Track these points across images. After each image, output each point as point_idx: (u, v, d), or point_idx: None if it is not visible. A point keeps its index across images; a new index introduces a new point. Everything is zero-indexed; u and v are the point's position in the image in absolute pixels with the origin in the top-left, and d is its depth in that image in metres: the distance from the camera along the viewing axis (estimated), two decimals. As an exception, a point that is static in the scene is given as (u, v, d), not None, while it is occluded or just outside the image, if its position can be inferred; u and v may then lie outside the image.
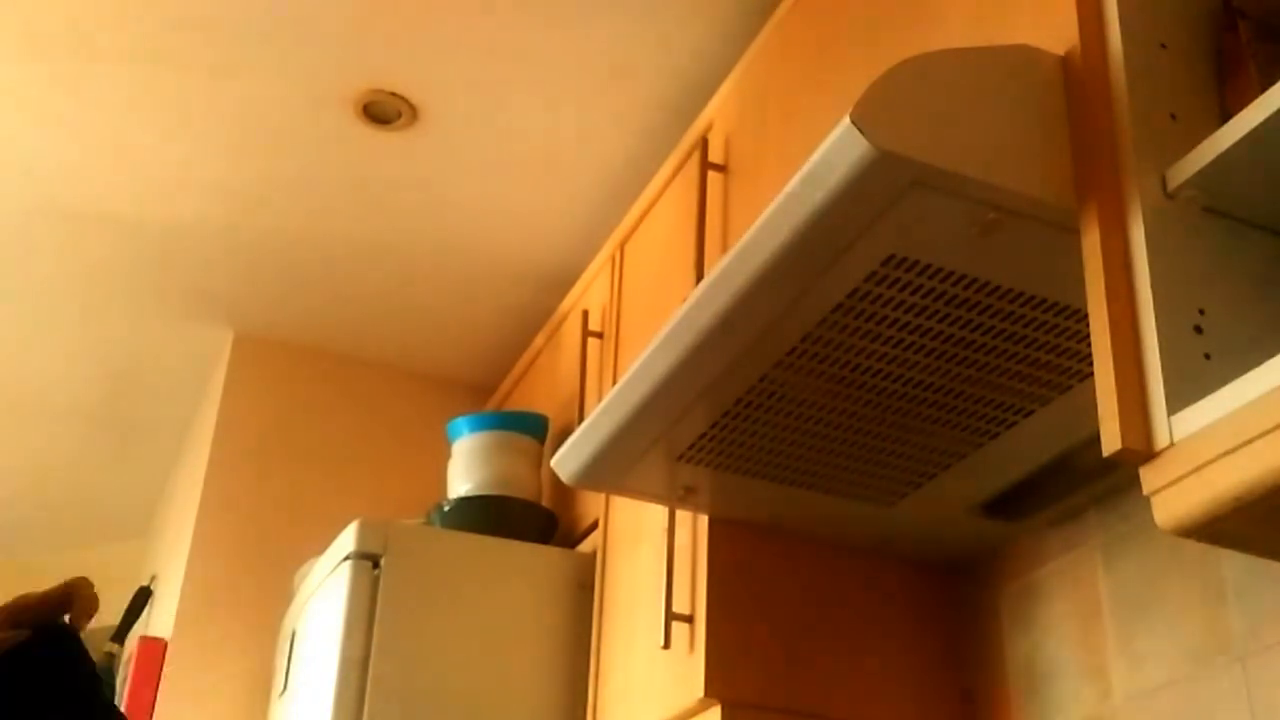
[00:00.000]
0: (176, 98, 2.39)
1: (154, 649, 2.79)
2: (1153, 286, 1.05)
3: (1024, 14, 1.29)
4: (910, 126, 1.12)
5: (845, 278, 1.28)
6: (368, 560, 2.18)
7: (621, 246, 2.41)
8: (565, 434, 1.92)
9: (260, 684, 2.70)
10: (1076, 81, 1.18)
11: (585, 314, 2.45)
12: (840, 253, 1.24)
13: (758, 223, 1.27)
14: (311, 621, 2.35)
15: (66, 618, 0.98)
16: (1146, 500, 1.02)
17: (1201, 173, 1.07)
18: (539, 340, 2.79)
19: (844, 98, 1.17)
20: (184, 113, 2.42)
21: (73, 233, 2.74)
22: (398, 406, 3.12)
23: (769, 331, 1.37)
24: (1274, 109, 1.01)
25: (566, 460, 1.67)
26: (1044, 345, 1.37)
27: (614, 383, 1.59)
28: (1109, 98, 1.14)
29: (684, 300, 1.42)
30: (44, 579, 1.00)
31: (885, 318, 1.34)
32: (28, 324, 3.06)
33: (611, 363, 2.31)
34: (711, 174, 2.01)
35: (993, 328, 1.35)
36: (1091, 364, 1.09)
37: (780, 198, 1.23)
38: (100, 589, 0.99)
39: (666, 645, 1.75)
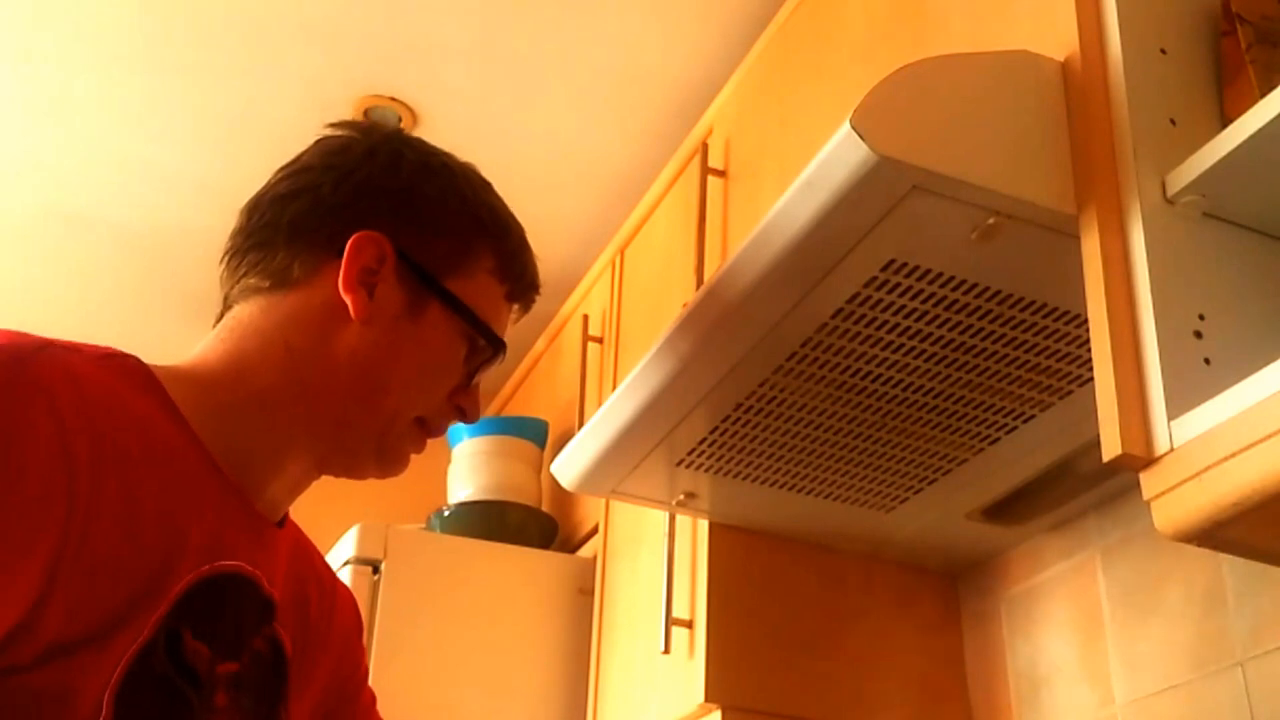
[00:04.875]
0: (177, 103, 2.39)
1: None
2: (1153, 291, 1.05)
3: (1024, 20, 1.29)
4: (910, 132, 1.12)
5: (845, 283, 1.28)
6: (367, 565, 2.18)
7: (621, 251, 2.41)
8: (565, 439, 1.92)
9: (260, 689, 2.69)
10: (1076, 87, 1.18)
11: (585, 319, 2.45)
12: (840, 258, 1.24)
13: (758, 228, 1.27)
14: (311, 627, 2.35)
15: None
16: (1146, 505, 1.02)
17: (1201, 178, 1.07)
18: (539, 345, 2.79)
19: (844, 103, 1.17)
20: (184, 118, 2.42)
21: (72, 236, 2.74)
22: (397, 411, 3.11)
23: (769, 337, 1.37)
24: (1273, 114, 1.01)
25: (566, 465, 1.67)
26: (1044, 350, 1.37)
27: (614, 388, 1.59)
28: (1109, 103, 1.14)
29: (684, 305, 1.42)
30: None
31: (885, 323, 1.34)
32: (27, 327, 3.06)
33: (611, 368, 2.31)
34: (712, 179, 2.01)
35: (993, 332, 1.35)
36: (1091, 369, 1.08)
37: (780, 203, 1.23)
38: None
39: (666, 650, 1.75)
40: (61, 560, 0.79)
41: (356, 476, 1.05)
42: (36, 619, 0.78)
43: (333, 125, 1.07)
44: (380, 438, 1.01)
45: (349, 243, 0.99)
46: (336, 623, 1.10)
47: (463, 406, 1.05)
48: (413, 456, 1.06)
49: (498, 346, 1.05)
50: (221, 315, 1.03)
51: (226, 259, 1.04)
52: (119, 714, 0.83)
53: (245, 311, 1.01)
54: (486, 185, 1.10)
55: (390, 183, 1.03)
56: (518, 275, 1.08)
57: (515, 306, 1.10)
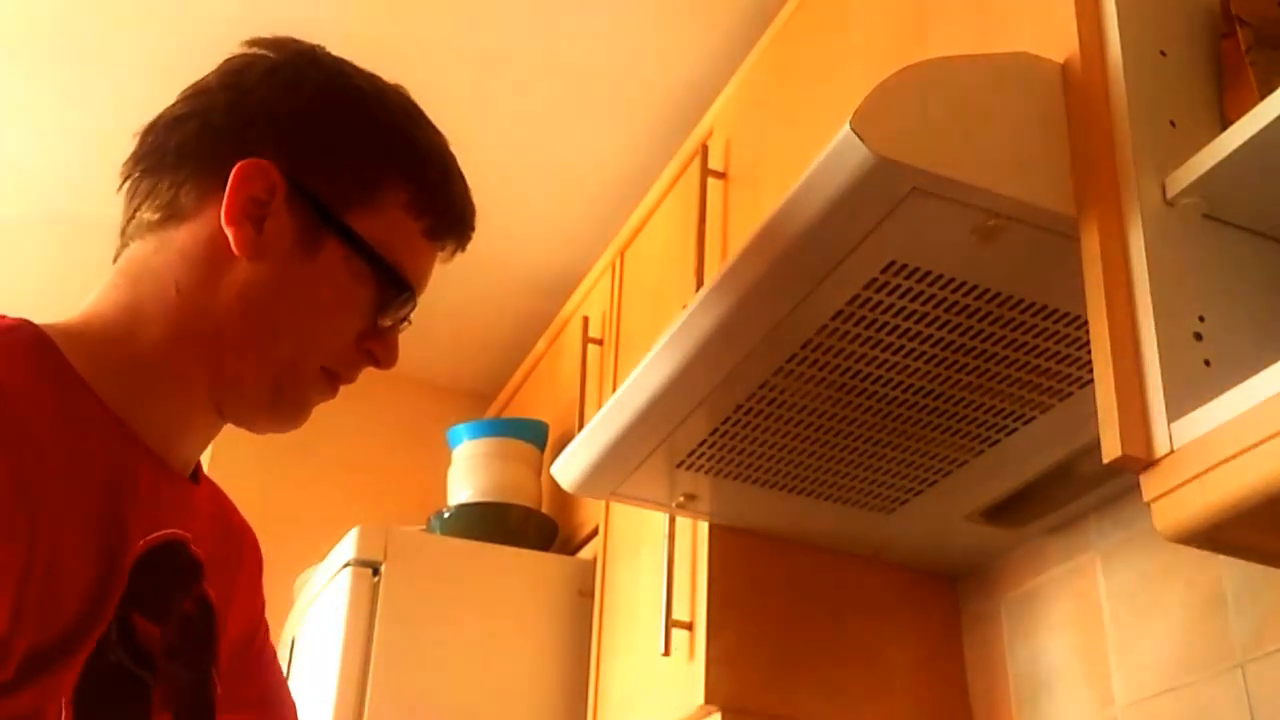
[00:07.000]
0: (177, 105, 2.39)
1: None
2: (1152, 293, 1.05)
3: (1024, 21, 1.30)
4: (910, 133, 1.12)
5: (845, 284, 1.28)
6: (367, 567, 2.18)
7: (622, 253, 2.41)
8: (565, 441, 1.92)
9: (260, 691, 2.69)
10: (1076, 89, 1.18)
11: (585, 320, 2.45)
12: (840, 259, 1.24)
13: (758, 229, 1.27)
14: (311, 629, 2.35)
15: None
16: (1146, 507, 1.02)
17: (1201, 180, 1.07)
18: (539, 347, 2.79)
19: (844, 104, 1.17)
20: (184, 120, 2.43)
21: (73, 238, 2.74)
22: (398, 413, 3.12)
23: (769, 338, 1.37)
24: (1273, 116, 1.01)
25: (566, 467, 1.67)
26: (1044, 352, 1.37)
27: (614, 389, 1.59)
28: (1109, 105, 1.14)
29: (684, 307, 1.42)
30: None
31: (886, 324, 1.34)
32: (28, 331, 3.07)
33: (611, 369, 2.31)
34: (712, 180, 2.01)
35: (993, 334, 1.35)
36: (1091, 370, 1.09)
37: (780, 204, 1.23)
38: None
39: (666, 652, 1.75)
40: (29, 585, 0.76)
41: (251, 429, 0.96)
42: (9, 646, 0.76)
43: (247, 42, 0.98)
44: (276, 387, 0.93)
45: (233, 171, 0.90)
46: (245, 566, 1.04)
47: (374, 351, 0.95)
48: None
49: (403, 288, 0.94)
50: (119, 253, 0.94)
51: (121, 187, 0.95)
52: (79, 714, 0.80)
53: (140, 250, 0.92)
54: (409, 112, 1.00)
55: (288, 106, 0.94)
56: (441, 210, 0.98)
57: (447, 245, 1.00)
